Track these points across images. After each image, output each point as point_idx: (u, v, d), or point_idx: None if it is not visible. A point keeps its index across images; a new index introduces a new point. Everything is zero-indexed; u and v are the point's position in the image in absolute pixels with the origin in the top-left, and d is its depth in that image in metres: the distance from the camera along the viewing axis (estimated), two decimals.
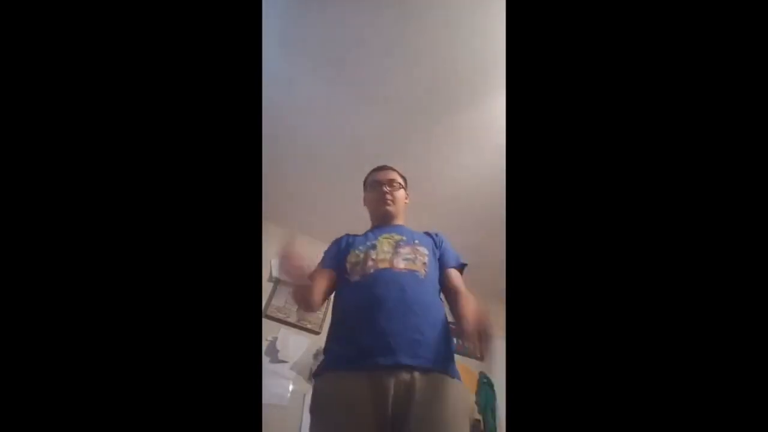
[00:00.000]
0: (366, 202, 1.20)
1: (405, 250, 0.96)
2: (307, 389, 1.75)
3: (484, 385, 2.25)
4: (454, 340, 0.90)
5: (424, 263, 0.94)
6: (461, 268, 1.03)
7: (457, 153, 1.80)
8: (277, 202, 2.13)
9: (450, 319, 0.89)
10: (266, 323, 1.86)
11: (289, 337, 1.89)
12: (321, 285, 0.96)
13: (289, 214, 2.24)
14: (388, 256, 0.94)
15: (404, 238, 1.00)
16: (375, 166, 1.87)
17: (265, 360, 1.76)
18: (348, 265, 0.97)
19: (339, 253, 1.03)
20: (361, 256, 0.96)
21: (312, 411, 0.79)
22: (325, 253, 1.08)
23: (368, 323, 0.80)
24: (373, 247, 0.97)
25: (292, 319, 1.94)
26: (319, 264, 1.03)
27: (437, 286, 0.96)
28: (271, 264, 2.08)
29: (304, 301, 0.94)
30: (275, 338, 1.84)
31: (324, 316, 2.03)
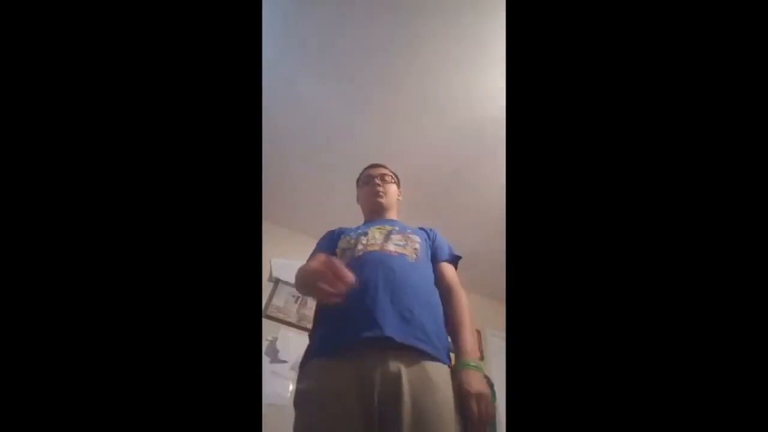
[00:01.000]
0: (359, 198, 1.21)
1: (396, 237, 0.94)
2: None
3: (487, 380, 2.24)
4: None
5: (415, 249, 0.92)
6: (455, 261, 1.01)
7: (457, 152, 1.80)
8: (277, 202, 2.13)
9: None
10: (266, 323, 1.86)
11: (289, 337, 1.89)
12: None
13: (289, 214, 2.24)
14: (378, 242, 0.92)
15: (396, 228, 0.99)
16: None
17: (265, 360, 1.76)
18: (338, 251, 0.95)
19: (332, 242, 1.02)
20: (352, 242, 0.95)
21: (296, 405, 0.74)
22: (318, 243, 1.06)
23: (353, 301, 0.72)
24: (365, 234, 0.96)
25: (292, 319, 1.94)
26: (311, 254, 1.00)
27: (430, 274, 0.93)
28: (271, 264, 2.08)
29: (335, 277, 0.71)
30: (275, 338, 1.84)
31: None
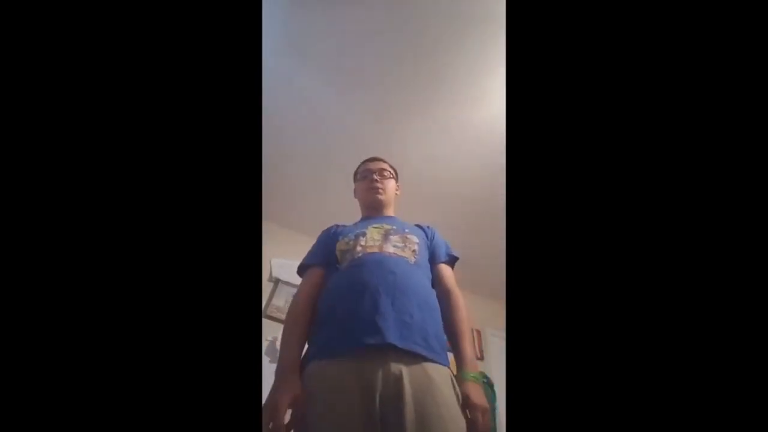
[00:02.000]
0: (356, 193, 1.20)
1: (395, 238, 0.94)
2: None
3: (485, 384, 2.24)
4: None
5: (414, 251, 0.92)
6: (453, 261, 1.01)
7: (457, 151, 1.80)
8: (277, 202, 2.13)
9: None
10: (266, 323, 1.86)
11: None
12: (305, 292, 0.91)
13: (289, 214, 2.24)
14: (377, 243, 0.91)
15: (394, 227, 0.98)
16: None
17: (265, 360, 1.76)
18: (338, 254, 0.94)
19: (328, 243, 1.00)
20: (351, 243, 0.94)
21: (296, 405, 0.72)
22: (314, 245, 1.05)
23: (354, 305, 0.75)
24: (363, 234, 0.95)
25: None
26: (306, 258, 1.00)
27: (428, 274, 0.93)
28: (271, 264, 2.08)
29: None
30: (275, 338, 1.84)
31: None
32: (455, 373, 0.77)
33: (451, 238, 1.11)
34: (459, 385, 0.73)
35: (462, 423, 0.66)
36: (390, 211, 1.12)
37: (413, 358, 0.70)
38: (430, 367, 0.71)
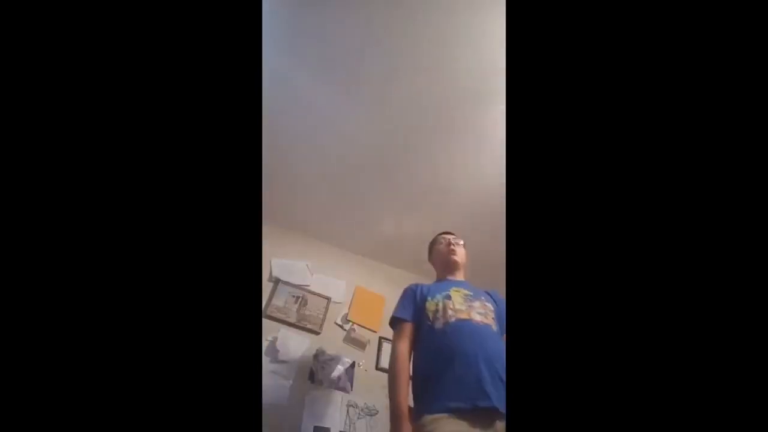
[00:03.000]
0: (432, 258, 1.42)
1: (476, 305, 1.11)
2: (307, 389, 1.75)
3: None
4: None
5: (493, 318, 1.09)
6: None
7: (457, 152, 1.80)
8: (277, 202, 2.13)
9: None
10: (266, 323, 1.86)
11: (289, 337, 1.89)
12: (404, 344, 1.09)
13: (289, 214, 2.24)
14: (464, 308, 1.09)
15: (470, 293, 1.16)
16: (375, 165, 1.87)
17: (265, 360, 1.76)
18: (429, 314, 1.11)
19: (415, 302, 1.18)
20: (440, 304, 1.11)
21: None
22: (402, 301, 1.23)
23: (459, 370, 0.92)
24: (448, 297, 1.12)
25: (292, 319, 1.94)
26: (398, 312, 1.19)
27: (503, 339, 1.09)
28: (271, 264, 2.08)
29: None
30: (275, 338, 1.84)
31: (324, 316, 2.03)
32: None
33: None
34: None
35: None
36: (461, 275, 1.32)
37: None
38: None
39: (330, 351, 1.91)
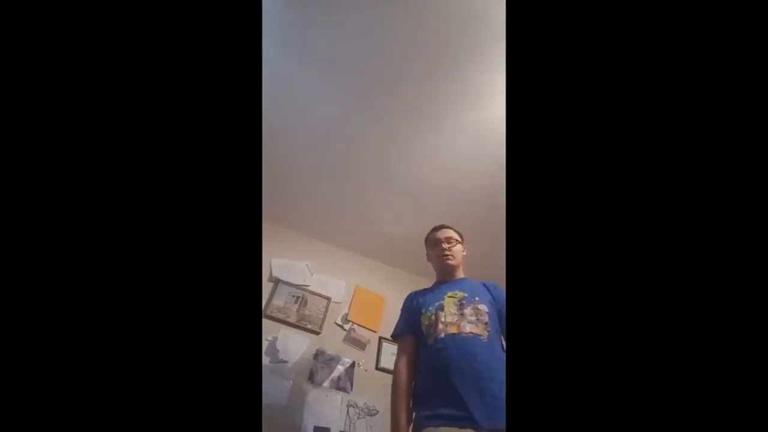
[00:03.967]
0: (429, 258, 1.40)
1: (468, 311, 1.11)
2: (307, 389, 1.75)
3: None
4: None
5: (486, 323, 1.09)
6: None
7: (457, 151, 1.80)
8: (277, 202, 2.13)
9: None
10: (266, 323, 1.86)
11: (289, 337, 1.89)
12: (404, 361, 1.14)
13: (289, 214, 2.24)
14: (455, 319, 1.10)
15: (466, 294, 1.17)
16: (375, 165, 1.87)
17: (265, 360, 1.76)
18: (423, 328, 1.15)
19: (413, 314, 1.22)
20: (432, 318, 1.14)
21: None
22: (400, 317, 1.28)
23: (448, 388, 0.96)
24: (441, 308, 1.15)
25: (292, 319, 1.94)
26: (398, 328, 1.25)
27: (499, 342, 1.09)
28: (271, 264, 2.08)
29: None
30: (275, 338, 1.84)
31: (324, 316, 2.03)
32: None
33: None
34: None
35: None
36: (460, 273, 1.32)
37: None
38: None
39: (330, 351, 1.91)
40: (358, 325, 2.10)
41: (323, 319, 2.01)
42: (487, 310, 1.12)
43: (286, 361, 1.79)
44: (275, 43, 1.43)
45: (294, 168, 1.96)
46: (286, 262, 2.13)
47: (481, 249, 1.95)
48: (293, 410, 1.66)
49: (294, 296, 2.02)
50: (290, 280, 2.06)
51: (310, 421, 1.65)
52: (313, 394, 1.75)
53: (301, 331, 1.94)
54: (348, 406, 1.80)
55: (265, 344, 1.80)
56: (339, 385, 1.83)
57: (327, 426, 1.68)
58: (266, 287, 1.99)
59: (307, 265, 2.19)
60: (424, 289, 1.32)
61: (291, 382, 1.74)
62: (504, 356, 1.05)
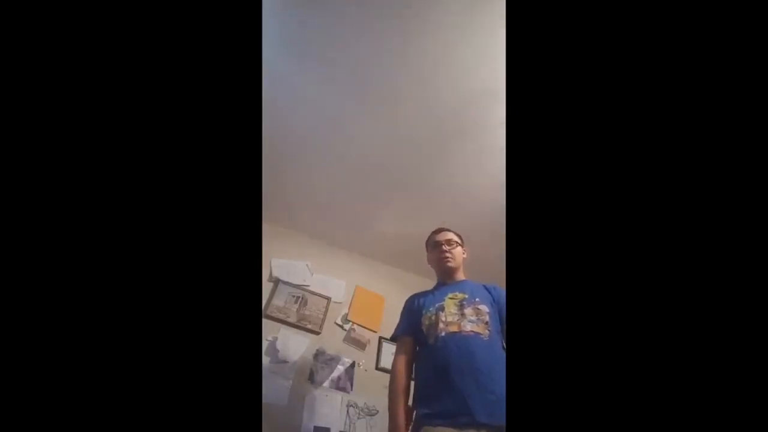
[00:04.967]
0: (429, 261, 1.41)
1: (469, 311, 1.12)
2: (307, 389, 1.75)
3: None
4: None
5: (486, 323, 1.09)
6: None
7: (457, 152, 1.80)
8: (277, 202, 2.13)
9: None
10: (266, 323, 1.86)
11: (289, 337, 1.89)
12: (402, 362, 1.15)
13: (289, 214, 2.24)
14: (455, 319, 1.11)
15: (466, 296, 1.17)
16: (375, 165, 1.87)
17: (265, 360, 1.76)
18: (423, 328, 1.16)
19: (413, 316, 1.23)
20: (432, 318, 1.15)
21: None
22: (401, 318, 1.29)
23: (448, 385, 0.97)
24: (442, 308, 1.15)
25: (292, 319, 1.94)
26: (398, 330, 1.26)
27: (500, 341, 1.09)
28: (271, 264, 2.08)
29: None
30: (275, 338, 1.84)
31: (324, 316, 2.03)
32: None
33: None
34: None
35: None
36: (460, 275, 1.32)
37: (498, 428, 0.89)
38: None
39: (330, 351, 1.91)
40: (358, 325, 2.10)
41: (323, 319, 2.01)
42: (487, 311, 1.12)
43: (286, 361, 1.79)
44: (275, 43, 1.43)
45: (294, 168, 1.96)
46: (286, 262, 2.13)
47: (481, 250, 1.95)
48: (293, 410, 1.66)
49: (294, 296, 2.02)
50: (290, 280, 2.06)
51: (310, 421, 1.65)
52: (313, 394, 1.75)
53: (301, 331, 1.94)
54: (348, 406, 1.79)
55: (265, 344, 1.80)
56: (339, 385, 1.83)
57: (327, 426, 1.68)
58: (266, 287, 1.98)
59: (307, 265, 2.19)
60: (425, 291, 1.33)
61: (291, 382, 1.74)
62: (504, 355, 1.05)
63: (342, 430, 1.71)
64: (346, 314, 2.11)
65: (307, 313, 1.99)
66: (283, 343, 1.83)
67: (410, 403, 1.10)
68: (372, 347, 2.06)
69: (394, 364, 1.17)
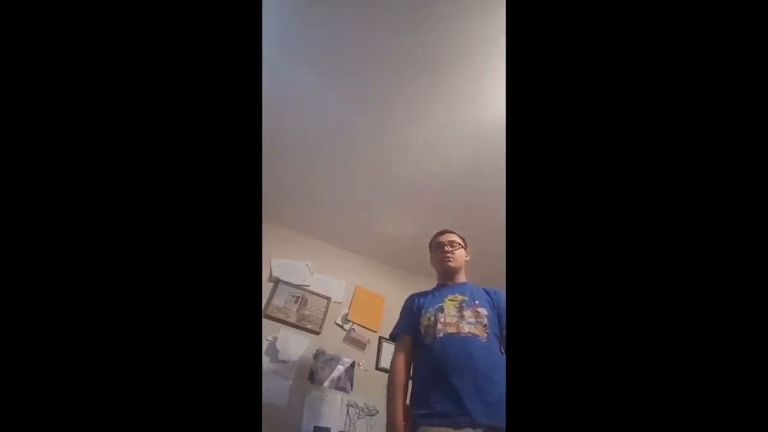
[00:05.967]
0: (432, 262, 1.40)
1: (468, 313, 1.12)
2: (307, 389, 1.75)
3: None
4: None
5: (485, 325, 1.09)
6: None
7: (457, 152, 1.80)
8: (277, 202, 2.13)
9: None
10: (266, 323, 1.86)
11: (289, 337, 1.89)
12: (401, 360, 1.15)
13: (289, 214, 2.24)
14: (454, 320, 1.11)
15: (466, 298, 1.17)
16: (375, 165, 1.87)
17: (265, 360, 1.76)
18: (422, 328, 1.16)
19: (412, 315, 1.23)
20: (431, 318, 1.15)
21: None
22: (400, 317, 1.29)
23: (445, 386, 0.98)
24: (441, 309, 1.15)
25: (292, 319, 1.94)
26: (396, 329, 1.26)
27: (497, 344, 1.09)
28: (271, 264, 2.08)
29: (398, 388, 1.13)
30: (275, 338, 1.84)
31: (324, 316, 2.03)
32: None
33: None
34: None
35: None
36: (462, 277, 1.32)
37: (495, 428, 0.89)
38: None
39: (330, 351, 1.91)
40: (358, 325, 2.10)
41: (323, 319, 2.01)
42: (486, 314, 1.12)
43: (286, 361, 1.79)
44: (275, 43, 1.43)
45: (294, 168, 1.96)
46: (286, 262, 2.13)
47: (481, 250, 1.95)
48: (293, 410, 1.66)
49: (294, 296, 2.02)
50: (290, 280, 2.06)
51: (310, 421, 1.65)
52: (313, 394, 1.75)
53: (301, 331, 1.94)
54: (348, 406, 1.80)
55: (265, 344, 1.80)
56: (339, 385, 1.83)
57: (327, 426, 1.68)
58: (266, 287, 1.99)
59: (307, 265, 2.19)
60: (425, 291, 1.33)
61: (291, 382, 1.74)
62: (501, 357, 1.06)
63: (342, 430, 1.71)
64: (346, 314, 2.11)
65: (307, 313, 1.99)
66: (283, 343, 1.83)
67: (407, 402, 1.10)
68: (372, 347, 2.06)
69: (392, 362, 1.17)
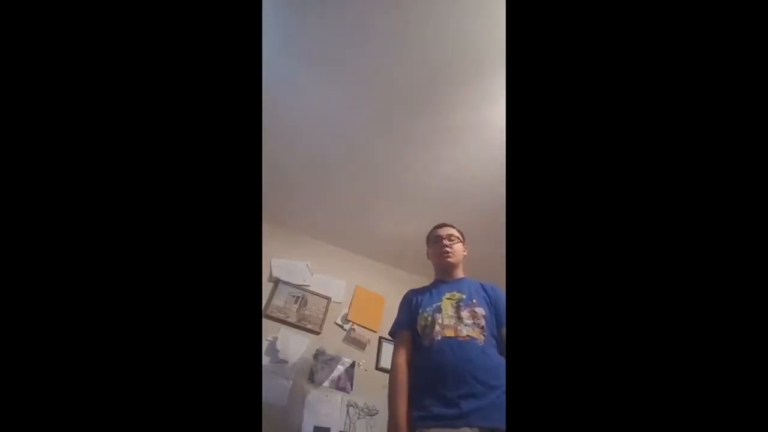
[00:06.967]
0: (429, 255, 1.40)
1: (465, 314, 1.11)
2: (307, 389, 1.75)
3: None
4: None
5: (482, 327, 1.09)
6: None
7: (457, 153, 1.80)
8: (277, 202, 2.13)
9: None
10: (266, 323, 1.86)
11: (289, 337, 1.89)
12: (402, 357, 1.14)
13: (289, 214, 2.24)
14: (452, 322, 1.10)
15: (464, 296, 1.16)
16: (375, 165, 1.87)
17: (265, 360, 1.76)
18: (419, 328, 1.16)
19: (411, 313, 1.22)
20: (429, 319, 1.14)
21: None
22: (398, 314, 1.28)
23: (443, 389, 0.98)
24: (439, 309, 1.15)
25: (292, 319, 1.94)
26: (395, 326, 1.25)
27: (495, 344, 1.09)
28: (271, 264, 2.08)
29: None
30: (275, 338, 1.84)
31: (324, 316, 2.03)
32: None
33: None
34: None
35: None
36: (459, 272, 1.30)
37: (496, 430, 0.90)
38: None
39: (330, 351, 1.91)
40: (358, 325, 2.10)
41: (323, 319, 2.01)
42: (483, 313, 1.12)
43: (286, 361, 1.79)
44: (275, 43, 1.43)
45: (294, 168, 1.96)
46: (286, 262, 2.13)
47: (481, 250, 1.95)
48: (293, 410, 1.66)
49: (294, 296, 2.02)
50: (290, 280, 2.06)
51: (310, 421, 1.65)
52: (313, 394, 1.75)
53: (301, 331, 1.94)
54: (348, 406, 1.80)
55: (265, 344, 1.80)
56: (339, 385, 1.84)
57: (327, 426, 1.68)
58: (266, 287, 1.99)
59: (307, 265, 2.19)
60: (423, 288, 1.31)
61: (291, 382, 1.74)
62: (499, 360, 1.05)
63: (342, 430, 1.71)
64: (346, 314, 2.11)
65: (307, 313, 1.99)
66: (283, 343, 1.83)
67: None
68: (372, 347, 2.06)
69: (393, 360, 1.17)
